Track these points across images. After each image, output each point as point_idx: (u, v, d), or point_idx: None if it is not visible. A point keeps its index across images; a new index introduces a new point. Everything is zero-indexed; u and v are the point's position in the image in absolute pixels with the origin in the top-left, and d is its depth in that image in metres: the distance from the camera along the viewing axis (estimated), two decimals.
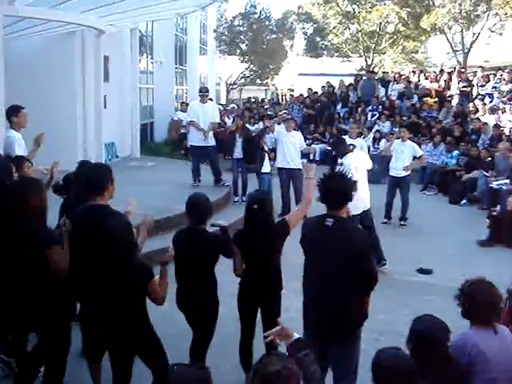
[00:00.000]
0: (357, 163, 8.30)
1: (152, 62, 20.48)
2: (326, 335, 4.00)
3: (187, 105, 19.00)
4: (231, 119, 17.48)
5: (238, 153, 11.74)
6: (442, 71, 20.50)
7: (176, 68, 24.17)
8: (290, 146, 11.12)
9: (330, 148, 17.64)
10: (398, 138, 11.82)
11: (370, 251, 4.10)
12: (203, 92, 12.39)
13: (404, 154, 11.12)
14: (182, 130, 17.13)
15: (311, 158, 16.33)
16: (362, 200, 8.12)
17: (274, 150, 11.77)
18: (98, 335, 4.37)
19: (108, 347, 4.36)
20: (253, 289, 4.83)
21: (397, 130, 14.72)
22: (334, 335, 3.99)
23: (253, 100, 25.03)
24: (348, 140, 10.60)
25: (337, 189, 4.02)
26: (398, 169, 11.09)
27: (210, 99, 13.51)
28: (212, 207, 5.10)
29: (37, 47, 12.78)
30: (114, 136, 15.17)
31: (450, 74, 19.63)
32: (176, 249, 4.61)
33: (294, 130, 11.57)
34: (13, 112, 7.21)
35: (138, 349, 4.36)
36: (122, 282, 4.07)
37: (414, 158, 11.33)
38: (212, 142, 12.16)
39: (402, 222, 11.22)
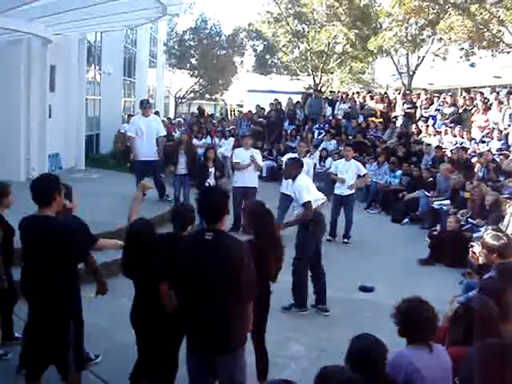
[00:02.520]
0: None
1: (100, 73, 20.26)
2: (211, 348, 4.04)
3: None
4: (178, 133, 17.43)
5: (182, 168, 11.65)
6: (386, 92, 20.94)
7: (124, 80, 23.99)
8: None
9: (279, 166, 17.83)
10: (341, 157, 11.99)
11: (249, 261, 4.14)
12: (144, 105, 12.17)
13: (348, 173, 11.29)
14: (129, 144, 16.96)
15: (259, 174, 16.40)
16: None
17: (222, 166, 11.68)
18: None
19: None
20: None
21: (342, 148, 14.95)
22: (219, 347, 4.03)
23: (203, 110, 24.84)
24: None
25: (212, 204, 4.11)
26: (342, 187, 11.25)
27: (157, 112, 13.35)
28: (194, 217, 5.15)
29: None
30: (58, 147, 14.88)
31: (395, 95, 20.12)
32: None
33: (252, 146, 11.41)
34: None
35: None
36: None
37: (359, 176, 11.51)
38: (155, 155, 11.99)
39: (346, 240, 11.34)
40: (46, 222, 4.41)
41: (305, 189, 7.58)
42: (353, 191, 11.38)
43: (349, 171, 11.31)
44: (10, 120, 12.66)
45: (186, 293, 4.14)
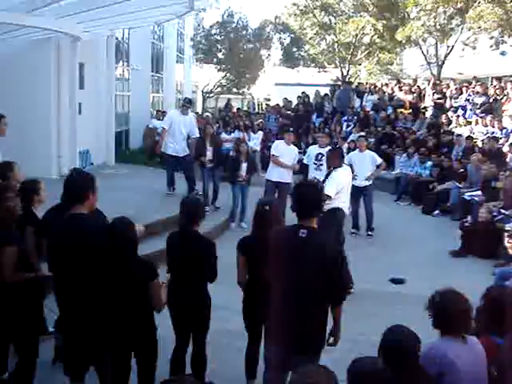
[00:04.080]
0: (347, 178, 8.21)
1: (128, 69, 20.40)
2: (296, 346, 3.94)
3: (163, 113, 18.95)
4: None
5: (210, 162, 11.66)
6: (415, 81, 20.74)
7: (152, 75, 24.10)
8: (285, 160, 10.91)
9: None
10: (355, 149, 11.83)
11: (343, 262, 4.07)
12: (186, 103, 12.31)
13: (364, 164, 11.07)
14: (157, 138, 17.06)
15: None
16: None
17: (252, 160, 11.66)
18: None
19: (112, 349, 4.40)
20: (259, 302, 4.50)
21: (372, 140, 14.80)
22: (301, 345, 3.93)
23: (232, 106, 24.92)
24: (318, 149, 10.63)
25: (310, 199, 3.96)
26: (360, 179, 10.92)
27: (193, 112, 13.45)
28: (204, 211, 5.14)
29: (11, 53, 12.50)
30: (88, 143, 15.01)
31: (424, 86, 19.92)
32: (169, 249, 4.84)
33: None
34: None
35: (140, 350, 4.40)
36: (125, 280, 4.17)
37: (377, 166, 11.31)
38: (186, 151, 12.05)
39: (369, 233, 11.23)
40: (76, 221, 4.29)
41: (333, 183, 7.59)
42: (370, 182, 11.21)
43: (364, 162, 11.08)
44: (40, 118, 12.81)
45: (274, 290, 4.02)
